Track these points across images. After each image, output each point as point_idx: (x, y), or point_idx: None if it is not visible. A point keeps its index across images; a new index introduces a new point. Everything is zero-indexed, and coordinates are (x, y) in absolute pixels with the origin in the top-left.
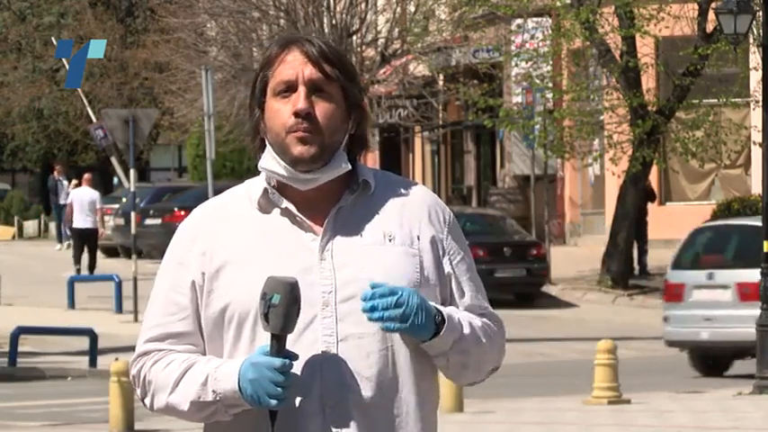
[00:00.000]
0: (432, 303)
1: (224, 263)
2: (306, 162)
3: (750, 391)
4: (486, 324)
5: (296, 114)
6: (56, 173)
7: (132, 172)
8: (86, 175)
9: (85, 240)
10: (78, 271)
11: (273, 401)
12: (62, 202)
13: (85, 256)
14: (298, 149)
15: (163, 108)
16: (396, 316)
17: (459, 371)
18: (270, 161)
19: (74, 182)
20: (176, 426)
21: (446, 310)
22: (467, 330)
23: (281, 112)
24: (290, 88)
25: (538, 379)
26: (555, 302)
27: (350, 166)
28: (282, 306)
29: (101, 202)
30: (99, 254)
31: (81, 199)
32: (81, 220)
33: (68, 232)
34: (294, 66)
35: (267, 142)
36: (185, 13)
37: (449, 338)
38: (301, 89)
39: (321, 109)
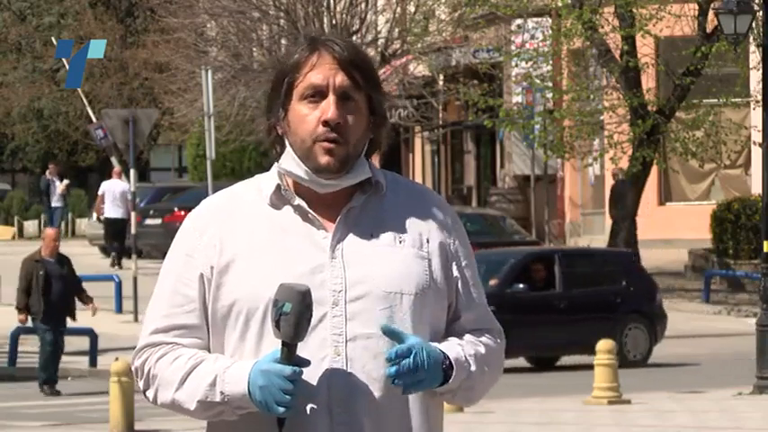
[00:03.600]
0: (438, 348)
1: (234, 257)
2: (331, 171)
3: (750, 391)
4: (489, 346)
5: (325, 123)
6: (48, 173)
7: (132, 172)
8: (116, 168)
9: (116, 230)
10: (114, 258)
11: (281, 409)
12: (54, 204)
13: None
14: (324, 159)
15: (163, 108)
16: (416, 381)
17: (463, 401)
18: (291, 163)
19: (65, 182)
20: (177, 426)
21: (452, 353)
22: (473, 367)
23: (308, 119)
24: (318, 93)
25: (538, 379)
26: None
27: (370, 174)
28: (293, 315)
29: (131, 194)
30: (99, 254)
31: (113, 190)
32: (112, 210)
33: (98, 222)
34: (324, 71)
35: (288, 144)
36: (185, 13)
37: (457, 381)
38: (331, 97)
39: (349, 119)
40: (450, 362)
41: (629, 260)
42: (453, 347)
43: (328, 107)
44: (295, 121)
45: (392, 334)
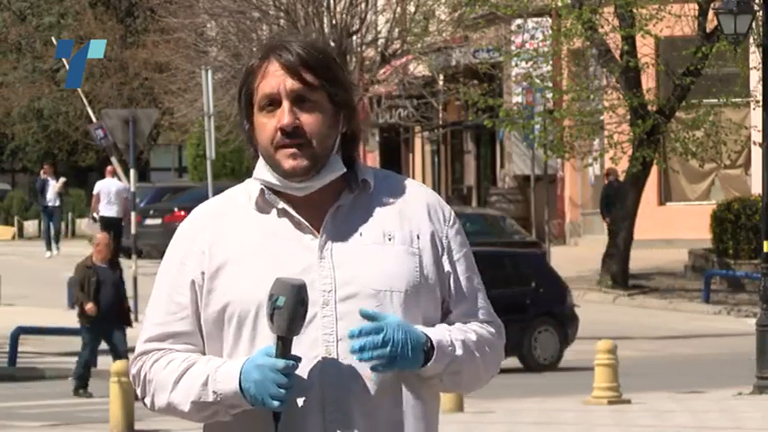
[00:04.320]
0: (420, 329)
1: (224, 262)
2: (298, 175)
3: (750, 391)
4: (482, 335)
5: (281, 130)
6: (42, 172)
7: (132, 172)
8: (109, 167)
9: (111, 228)
10: None
11: (276, 403)
12: (50, 204)
13: None
14: (289, 164)
15: (163, 108)
16: (383, 355)
17: (454, 387)
18: (263, 172)
19: (62, 179)
20: (176, 426)
21: (436, 335)
22: (459, 351)
23: (267, 127)
24: (273, 102)
25: (538, 379)
26: None
27: (344, 169)
28: (287, 309)
29: (126, 192)
30: None
31: (108, 189)
32: (107, 209)
33: (94, 221)
34: (275, 79)
35: (259, 153)
36: (185, 13)
37: (440, 364)
38: (285, 104)
39: (307, 120)
40: (432, 344)
41: (539, 261)
42: (439, 331)
43: (282, 114)
44: (258, 131)
45: (369, 316)
